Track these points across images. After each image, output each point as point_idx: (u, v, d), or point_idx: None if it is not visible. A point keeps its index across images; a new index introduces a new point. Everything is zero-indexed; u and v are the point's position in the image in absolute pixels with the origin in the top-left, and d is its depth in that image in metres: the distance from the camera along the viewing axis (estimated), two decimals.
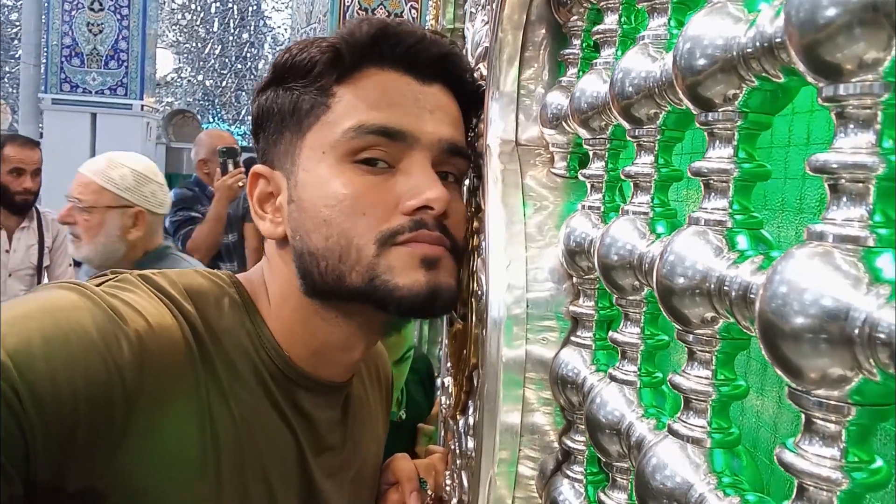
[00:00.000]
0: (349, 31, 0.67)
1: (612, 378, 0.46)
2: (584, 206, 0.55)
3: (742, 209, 0.35)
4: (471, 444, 0.69)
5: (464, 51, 1.08)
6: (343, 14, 3.54)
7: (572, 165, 0.62)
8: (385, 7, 3.63)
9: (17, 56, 9.06)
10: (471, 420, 0.71)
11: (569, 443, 0.55)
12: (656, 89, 0.41)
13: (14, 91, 8.96)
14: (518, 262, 0.59)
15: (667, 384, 0.43)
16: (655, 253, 0.41)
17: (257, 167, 0.70)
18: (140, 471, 0.56)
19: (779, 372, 0.27)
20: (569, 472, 0.54)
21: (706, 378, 0.36)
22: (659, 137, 0.44)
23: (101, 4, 7.64)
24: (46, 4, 7.62)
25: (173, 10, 12.78)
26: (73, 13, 7.57)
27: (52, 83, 7.56)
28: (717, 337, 0.35)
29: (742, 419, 0.56)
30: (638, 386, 0.45)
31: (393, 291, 0.62)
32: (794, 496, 0.27)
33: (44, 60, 7.71)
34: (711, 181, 0.36)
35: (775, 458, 0.28)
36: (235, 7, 13.26)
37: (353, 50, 0.66)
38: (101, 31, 7.69)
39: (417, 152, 0.65)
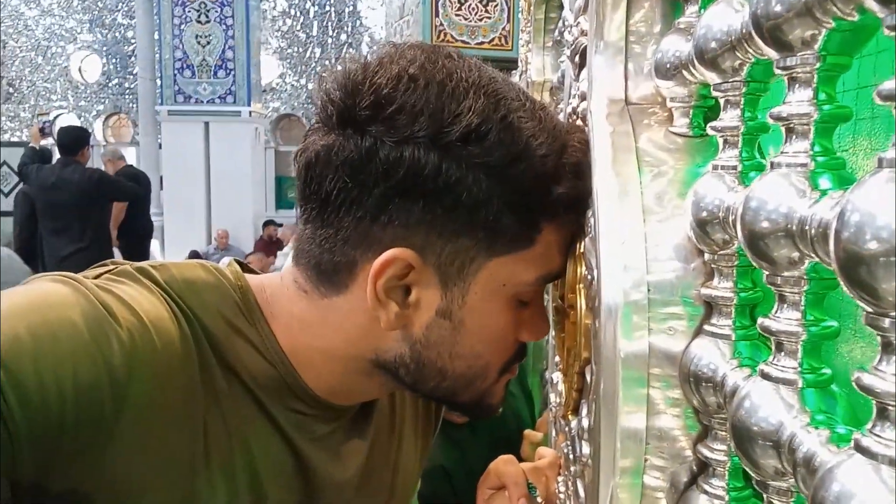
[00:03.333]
0: (575, 166, 0.58)
1: (765, 376, 0.37)
2: (715, 167, 0.45)
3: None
4: (586, 449, 0.61)
5: (562, 14, 0.99)
6: (435, 3, 3.49)
7: (696, 122, 0.53)
8: None
9: (134, 72, 9.63)
10: (585, 422, 0.63)
11: (706, 452, 0.46)
12: (816, 3, 0.32)
13: (134, 105, 9.54)
14: (635, 239, 0.50)
15: (836, 384, 0.34)
16: (821, 215, 0.32)
17: (408, 253, 0.56)
18: (128, 473, 0.53)
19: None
20: (707, 487, 0.45)
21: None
22: (819, 66, 0.34)
23: (207, 16, 7.98)
24: (157, 21, 8.05)
25: (274, 17, 13.23)
26: (183, 27, 7.94)
27: (167, 95, 7.97)
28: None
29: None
30: (800, 386, 0.36)
31: (487, 409, 0.66)
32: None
33: (158, 74, 8.14)
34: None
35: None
36: (333, 10, 13.57)
37: (582, 192, 0.58)
38: (208, 43, 8.03)
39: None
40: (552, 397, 0.83)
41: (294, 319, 0.62)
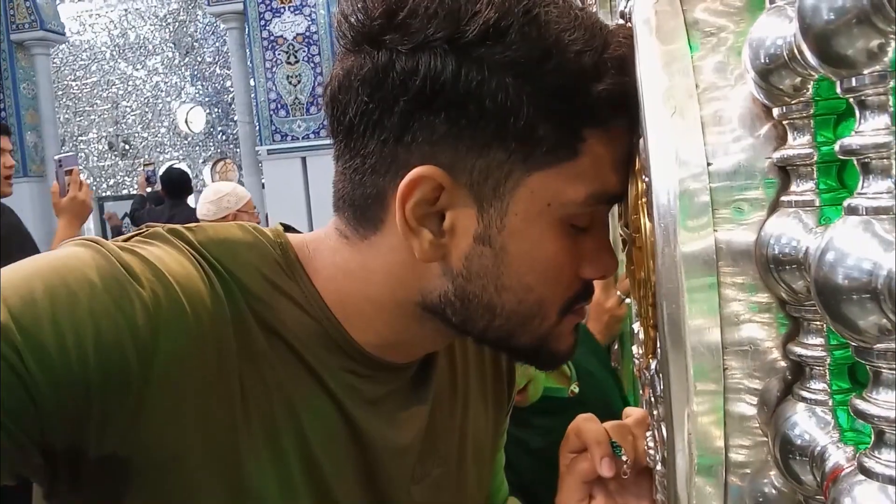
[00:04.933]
0: (618, 60, 0.51)
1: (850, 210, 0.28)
2: (772, 0, 0.37)
3: None
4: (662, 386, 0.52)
5: None
6: None
7: None
8: None
9: (234, 118, 10.16)
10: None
11: (800, 350, 0.37)
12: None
13: (236, 149, 10.03)
14: (690, 120, 0.42)
15: None
16: None
17: (434, 171, 0.51)
18: (162, 437, 0.50)
19: None
20: (805, 394, 0.37)
21: None
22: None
23: (296, 57, 8.31)
24: (251, 66, 8.44)
25: None
26: (274, 69, 8.30)
27: (265, 136, 8.33)
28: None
29: None
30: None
31: (552, 357, 0.60)
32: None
33: (256, 117, 8.53)
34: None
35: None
36: None
37: (629, 89, 0.48)
38: (299, 82, 8.35)
39: (605, 209, 0.58)
40: (634, 349, 0.75)
41: (338, 270, 0.58)
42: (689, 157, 0.41)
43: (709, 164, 0.41)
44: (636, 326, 0.77)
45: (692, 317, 0.41)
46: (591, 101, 0.51)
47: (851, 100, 0.28)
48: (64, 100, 11.16)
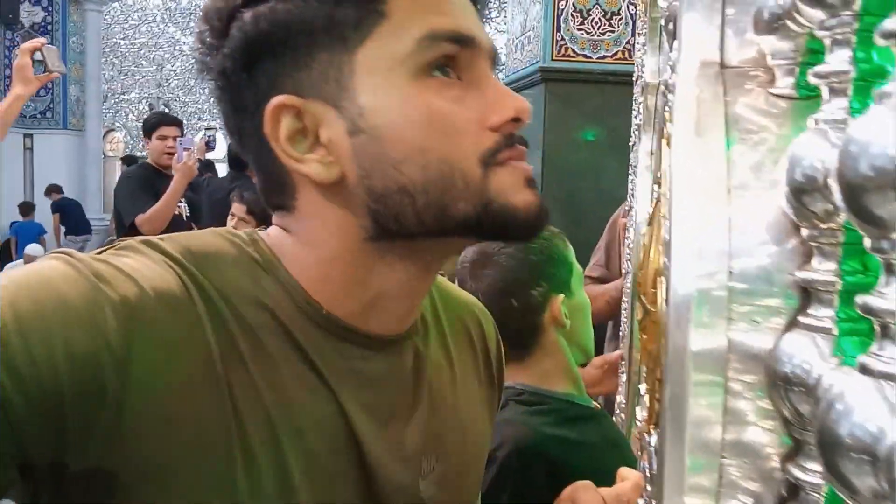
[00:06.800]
0: None
1: (865, 370, 0.29)
2: (816, 122, 0.37)
3: None
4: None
5: None
6: (557, 17, 3.44)
7: (803, 81, 0.44)
8: (601, 6, 3.45)
9: None
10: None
11: (798, 472, 0.37)
12: None
13: None
14: (717, 217, 0.42)
15: None
16: None
17: (281, 98, 0.56)
18: (148, 448, 0.49)
19: None
20: None
21: None
22: None
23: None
24: None
25: None
26: None
27: None
28: None
29: None
30: None
31: (516, 215, 0.56)
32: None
33: None
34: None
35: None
36: None
37: None
38: None
39: (481, 61, 0.57)
40: (638, 411, 0.75)
41: (300, 250, 0.60)
42: (712, 254, 0.41)
43: (730, 264, 0.41)
44: (641, 388, 0.78)
45: (695, 409, 0.41)
46: None
47: (879, 258, 0.28)
48: (111, 57, 11.30)
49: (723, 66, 0.49)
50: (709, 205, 0.42)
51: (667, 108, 0.60)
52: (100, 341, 0.48)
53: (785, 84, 0.45)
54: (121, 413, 0.49)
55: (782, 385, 0.37)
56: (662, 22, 0.69)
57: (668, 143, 0.59)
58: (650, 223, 0.64)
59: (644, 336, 0.63)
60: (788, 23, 0.43)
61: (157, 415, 0.50)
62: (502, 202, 0.56)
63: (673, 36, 0.63)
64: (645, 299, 0.61)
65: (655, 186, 0.69)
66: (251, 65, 0.56)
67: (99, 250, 0.57)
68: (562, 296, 1.16)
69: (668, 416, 0.42)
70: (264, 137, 0.56)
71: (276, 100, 0.55)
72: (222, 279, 0.56)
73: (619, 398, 1.60)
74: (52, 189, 9.85)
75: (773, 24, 0.44)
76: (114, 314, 0.49)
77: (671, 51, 0.65)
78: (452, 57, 0.56)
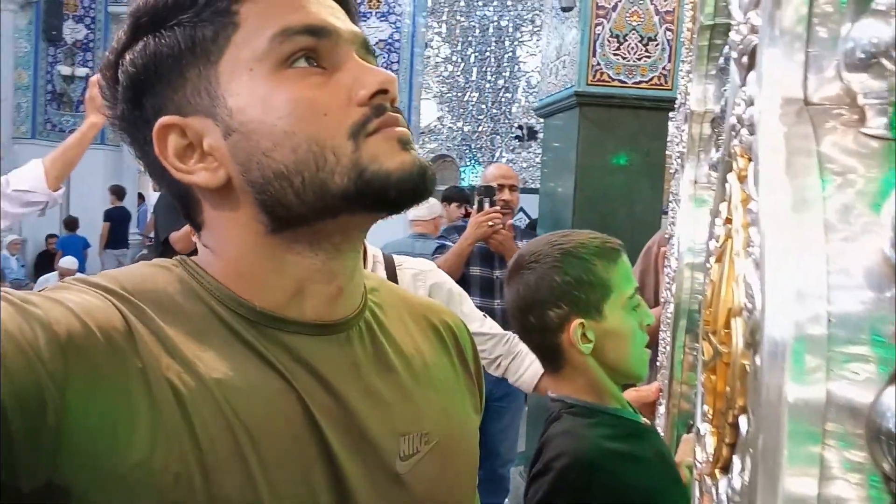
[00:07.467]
0: None
1: None
2: None
3: None
4: None
5: (727, 40, 0.90)
6: (593, 42, 3.43)
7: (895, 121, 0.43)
8: (638, 31, 3.44)
9: None
10: (736, 482, 0.52)
11: None
12: None
13: None
14: (814, 260, 0.41)
15: None
16: None
17: (163, 119, 0.61)
18: (95, 456, 0.51)
19: None
20: None
21: None
22: None
23: (375, 62, 8.44)
24: None
25: (437, 63, 13.73)
26: None
27: None
28: None
29: None
30: None
31: (389, 178, 0.59)
32: None
33: None
34: None
35: None
36: (493, 56, 13.88)
37: None
38: None
39: (343, 47, 0.62)
40: (698, 452, 0.73)
41: (219, 259, 0.64)
42: (811, 297, 0.40)
43: (829, 310, 0.40)
44: (702, 427, 0.75)
45: (791, 463, 0.40)
46: None
47: None
48: None
49: (806, 102, 0.48)
50: (806, 248, 0.40)
51: (737, 143, 0.59)
52: (31, 354, 0.49)
53: (878, 124, 0.44)
54: (62, 423, 0.50)
55: (883, 441, 0.36)
56: (734, 55, 0.68)
57: (739, 178, 0.58)
58: (718, 260, 0.62)
59: (713, 377, 0.61)
60: (883, 61, 0.41)
61: (100, 420, 0.51)
62: (374, 169, 0.59)
63: (747, 70, 0.62)
64: (714, 338, 0.59)
65: (717, 220, 0.67)
66: (138, 101, 0.62)
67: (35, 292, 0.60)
68: (581, 320, 1.13)
69: (759, 468, 0.40)
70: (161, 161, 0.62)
71: (160, 122, 0.61)
72: (154, 297, 0.59)
73: (658, 429, 1.57)
74: (114, 191, 9.94)
75: (866, 62, 0.43)
76: (43, 331, 0.51)
77: (742, 84, 0.64)
78: (313, 49, 0.60)
